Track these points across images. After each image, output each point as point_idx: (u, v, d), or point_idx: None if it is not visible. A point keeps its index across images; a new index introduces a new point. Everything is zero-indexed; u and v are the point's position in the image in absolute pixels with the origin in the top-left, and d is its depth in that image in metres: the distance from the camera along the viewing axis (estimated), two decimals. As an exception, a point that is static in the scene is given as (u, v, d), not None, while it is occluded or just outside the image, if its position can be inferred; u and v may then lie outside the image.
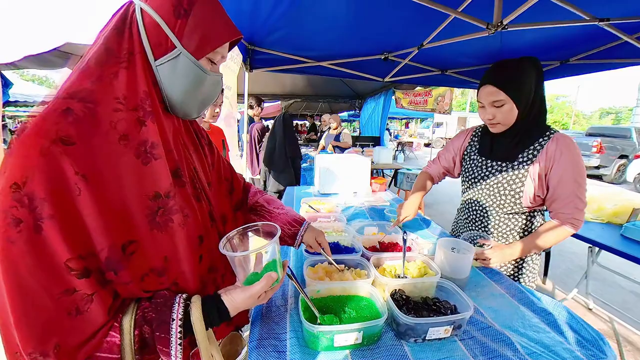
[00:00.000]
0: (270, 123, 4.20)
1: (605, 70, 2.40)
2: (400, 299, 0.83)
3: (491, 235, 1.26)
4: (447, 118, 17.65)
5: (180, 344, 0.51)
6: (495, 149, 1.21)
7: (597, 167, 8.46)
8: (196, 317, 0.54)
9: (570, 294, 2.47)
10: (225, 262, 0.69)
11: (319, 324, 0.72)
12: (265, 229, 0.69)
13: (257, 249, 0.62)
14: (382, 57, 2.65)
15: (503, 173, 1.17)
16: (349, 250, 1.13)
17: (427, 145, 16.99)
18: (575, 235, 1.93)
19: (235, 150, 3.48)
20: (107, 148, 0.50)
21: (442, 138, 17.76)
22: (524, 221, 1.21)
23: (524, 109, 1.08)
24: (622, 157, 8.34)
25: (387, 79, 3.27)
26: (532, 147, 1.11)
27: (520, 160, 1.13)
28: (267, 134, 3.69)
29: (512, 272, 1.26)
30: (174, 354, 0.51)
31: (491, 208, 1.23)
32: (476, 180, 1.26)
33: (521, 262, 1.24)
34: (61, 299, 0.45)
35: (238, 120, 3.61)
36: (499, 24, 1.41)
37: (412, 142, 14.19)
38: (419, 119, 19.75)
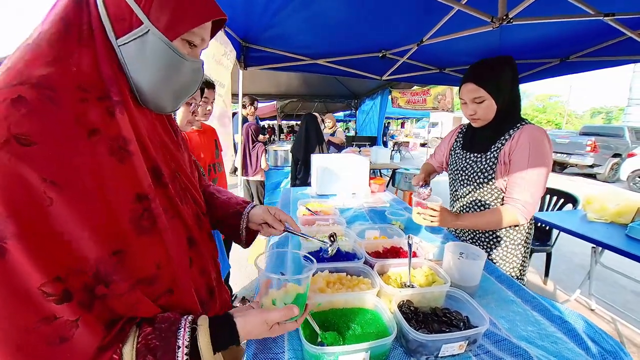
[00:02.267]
0: (266, 123, 4.15)
1: (605, 68, 2.38)
2: (408, 311, 0.76)
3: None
4: (443, 118, 17.74)
5: None
6: (475, 142, 1.30)
7: (591, 166, 8.54)
8: (204, 343, 0.48)
9: (573, 295, 2.44)
10: (216, 266, 0.66)
11: (320, 342, 0.65)
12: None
13: (296, 277, 0.58)
14: (380, 55, 2.60)
15: (478, 163, 1.24)
16: (350, 256, 1.06)
17: (423, 145, 17.03)
18: (578, 235, 1.91)
19: (230, 151, 3.40)
20: (76, 145, 0.42)
21: (438, 138, 17.83)
22: None
23: (502, 104, 1.15)
24: (615, 155, 8.42)
25: (384, 77, 3.22)
26: (502, 138, 1.18)
27: (493, 149, 1.20)
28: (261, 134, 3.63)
29: (510, 267, 1.28)
30: None
31: (472, 197, 1.29)
32: (457, 172, 1.35)
33: (505, 252, 1.27)
34: (40, 328, 0.38)
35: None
36: (504, 17, 1.36)
37: (408, 142, 14.20)
38: (415, 119, 19.80)
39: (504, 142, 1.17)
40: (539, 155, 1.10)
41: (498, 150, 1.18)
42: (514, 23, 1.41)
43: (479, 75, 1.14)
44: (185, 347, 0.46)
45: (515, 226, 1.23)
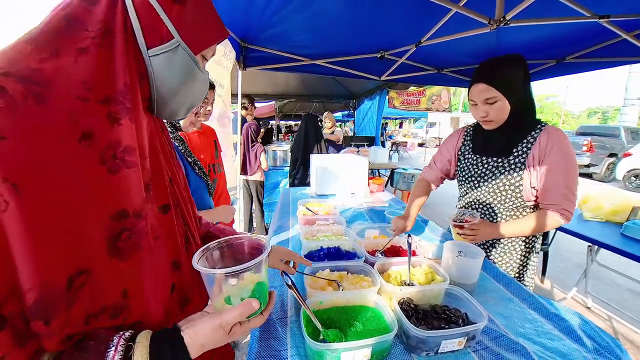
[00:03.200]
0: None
1: (601, 69, 2.40)
2: (409, 309, 0.77)
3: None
4: (441, 118, 17.81)
5: None
6: (489, 145, 1.21)
7: (588, 166, 8.60)
8: None
9: (570, 293, 2.47)
10: (202, 292, 0.55)
11: (322, 339, 0.66)
12: (251, 244, 0.56)
13: (242, 267, 0.46)
14: (379, 56, 2.61)
15: (500, 168, 1.16)
16: (351, 255, 1.08)
17: (421, 145, 17.09)
18: (574, 234, 1.94)
19: (230, 151, 3.40)
20: (59, 147, 0.37)
21: (435, 138, 17.89)
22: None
23: (516, 104, 1.08)
24: (611, 155, 8.49)
25: (383, 78, 3.24)
26: (525, 140, 1.12)
27: (516, 154, 1.13)
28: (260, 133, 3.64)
29: (513, 270, 1.24)
30: None
31: (493, 205, 1.21)
32: (474, 178, 1.25)
33: (524, 260, 1.22)
34: None
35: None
36: (502, 19, 1.38)
37: (406, 142, 14.24)
38: (413, 119, 19.87)
39: (529, 145, 1.10)
40: (571, 158, 1.07)
41: (524, 155, 1.11)
42: (511, 25, 1.43)
43: (490, 74, 1.07)
44: None
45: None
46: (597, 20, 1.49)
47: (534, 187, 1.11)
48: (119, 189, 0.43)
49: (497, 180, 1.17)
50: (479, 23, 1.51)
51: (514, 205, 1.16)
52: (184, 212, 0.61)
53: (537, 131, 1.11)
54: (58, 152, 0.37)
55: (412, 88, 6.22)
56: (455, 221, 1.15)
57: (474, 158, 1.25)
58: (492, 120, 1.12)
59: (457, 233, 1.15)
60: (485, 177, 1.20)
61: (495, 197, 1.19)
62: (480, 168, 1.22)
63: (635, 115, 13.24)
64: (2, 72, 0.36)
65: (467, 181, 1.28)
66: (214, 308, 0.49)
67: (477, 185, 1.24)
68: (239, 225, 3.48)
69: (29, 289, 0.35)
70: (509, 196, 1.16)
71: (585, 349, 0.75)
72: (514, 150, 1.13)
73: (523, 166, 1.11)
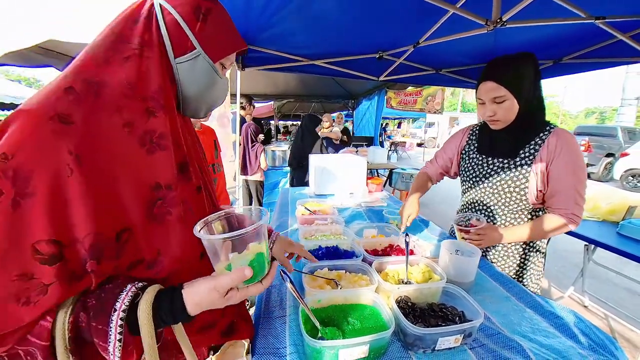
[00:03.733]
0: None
1: (598, 69, 2.42)
2: (406, 307, 0.78)
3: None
4: (439, 118, 17.84)
5: (120, 340, 0.43)
6: (496, 146, 1.19)
7: (585, 166, 8.64)
8: (143, 310, 0.45)
9: (567, 292, 2.48)
10: None
11: (320, 337, 0.67)
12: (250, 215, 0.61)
13: (240, 232, 0.49)
14: (377, 56, 2.62)
15: (506, 170, 1.14)
16: (349, 254, 1.09)
17: (419, 145, 17.12)
18: (572, 234, 1.95)
19: (229, 151, 3.40)
20: (109, 131, 0.49)
21: (434, 138, 17.92)
22: (531, 219, 1.17)
23: (525, 104, 1.06)
24: (608, 155, 8.54)
25: (381, 78, 3.24)
26: (533, 142, 1.09)
27: (522, 156, 1.11)
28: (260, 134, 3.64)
29: (515, 274, 1.23)
30: (111, 351, 0.43)
31: (496, 207, 1.20)
32: (478, 179, 1.23)
33: (526, 262, 1.21)
34: (17, 282, 0.41)
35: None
36: (498, 20, 1.39)
37: (404, 142, 14.25)
38: (411, 119, 19.89)
39: (537, 147, 1.08)
40: (580, 162, 1.05)
41: (531, 157, 1.09)
42: (507, 26, 1.44)
43: (499, 72, 1.04)
44: (122, 311, 0.44)
45: None
46: (592, 21, 1.50)
47: (540, 191, 1.09)
48: (155, 166, 0.53)
49: (502, 182, 1.14)
50: (476, 24, 1.52)
51: (518, 208, 1.15)
52: (210, 194, 0.71)
53: (546, 133, 1.08)
54: (107, 134, 0.49)
55: (410, 88, 6.24)
56: (460, 225, 1.14)
57: (479, 158, 1.23)
58: (500, 120, 1.10)
59: (462, 237, 1.13)
60: (490, 178, 1.18)
61: (499, 198, 1.17)
62: (485, 168, 1.20)
63: (632, 115, 13.31)
64: (72, 77, 0.49)
65: (470, 181, 1.27)
66: (215, 272, 0.54)
67: (480, 185, 1.22)
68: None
69: (85, 236, 0.45)
70: (513, 198, 1.13)
71: (580, 346, 0.76)
72: (521, 151, 1.11)
73: (529, 168, 1.08)
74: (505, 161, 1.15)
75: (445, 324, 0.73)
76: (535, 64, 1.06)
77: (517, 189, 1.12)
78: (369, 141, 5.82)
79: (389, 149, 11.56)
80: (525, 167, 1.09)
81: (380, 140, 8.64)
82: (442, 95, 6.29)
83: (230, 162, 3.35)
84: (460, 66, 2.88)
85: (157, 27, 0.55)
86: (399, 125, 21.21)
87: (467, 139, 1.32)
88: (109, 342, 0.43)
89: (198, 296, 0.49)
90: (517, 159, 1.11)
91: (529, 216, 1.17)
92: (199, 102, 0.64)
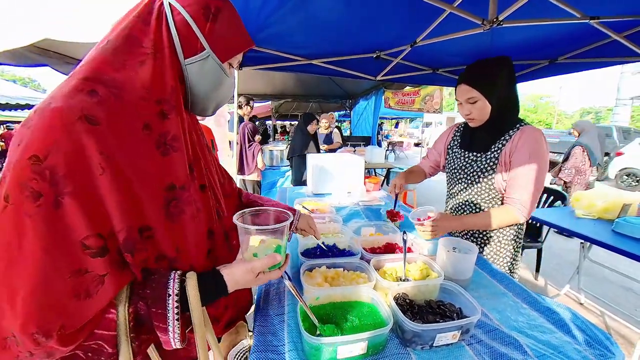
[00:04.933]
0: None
1: (592, 69, 2.44)
2: (404, 304, 0.79)
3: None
4: (436, 118, 17.90)
5: (177, 319, 0.50)
6: (474, 141, 1.31)
7: (581, 165, 8.72)
8: (192, 292, 0.52)
9: (563, 290, 2.51)
10: (231, 259, 0.69)
11: (319, 334, 0.67)
12: (277, 214, 0.69)
13: (272, 227, 0.61)
14: (374, 56, 2.63)
15: (478, 162, 1.26)
16: (347, 252, 1.09)
17: (417, 145, 17.15)
18: (567, 231, 1.97)
19: (226, 150, 3.39)
20: (131, 134, 0.51)
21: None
22: None
23: (496, 104, 1.17)
24: (604, 154, 8.61)
25: (379, 78, 3.25)
26: (502, 138, 1.20)
27: (493, 150, 1.22)
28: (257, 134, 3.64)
29: (495, 260, 1.32)
30: (171, 330, 0.50)
31: (471, 196, 1.31)
32: (456, 171, 1.36)
33: (498, 247, 1.30)
34: (71, 279, 0.43)
35: (228, 121, 3.54)
36: (495, 20, 1.40)
37: (402, 142, 14.28)
38: (409, 119, 19.93)
39: (504, 142, 1.19)
40: (538, 156, 1.12)
41: (499, 151, 1.19)
42: (504, 25, 1.45)
43: (472, 76, 1.17)
44: (176, 294, 0.51)
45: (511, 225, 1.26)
46: (587, 21, 1.52)
47: (505, 181, 1.20)
48: (169, 168, 0.55)
49: (474, 174, 1.27)
50: (473, 23, 1.53)
51: (490, 197, 1.26)
52: (215, 192, 0.72)
53: (515, 130, 1.18)
54: (130, 137, 0.51)
55: (407, 88, 6.24)
56: (414, 219, 1.22)
57: (460, 152, 1.35)
58: (475, 118, 1.22)
59: (421, 231, 1.20)
60: (466, 170, 1.31)
61: (472, 188, 1.29)
62: (462, 161, 1.33)
63: (627, 115, 13.46)
64: (92, 79, 0.49)
65: (451, 173, 1.40)
66: (244, 258, 0.62)
67: (458, 177, 1.35)
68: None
69: (119, 230, 0.48)
70: (484, 188, 1.25)
71: (576, 341, 0.77)
72: (492, 146, 1.22)
73: (497, 161, 1.20)
74: (479, 155, 1.26)
75: (443, 320, 0.73)
76: (509, 68, 1.17)
77: (485, 180, 1.24)
78: (367, 141, 5.83)
79: (386, 148, 11.57)
80: (493, 159, 1.21)
81: (378, 139, 8.66)
82: (441, 95, 6.31)
83: (227, 156, 3.34)
84: (456, 66, 2.90)
85: (167, 27, 0.54)
86: (396, 125, 21.27)
87: (453, 136, 1.44)
88: (169, 322, 0.50)
89: (236, 276, 0.58)
90: (488, 153, 1.23)
91: (500, 204, 1.27)
92: (207, 101, 0.65)
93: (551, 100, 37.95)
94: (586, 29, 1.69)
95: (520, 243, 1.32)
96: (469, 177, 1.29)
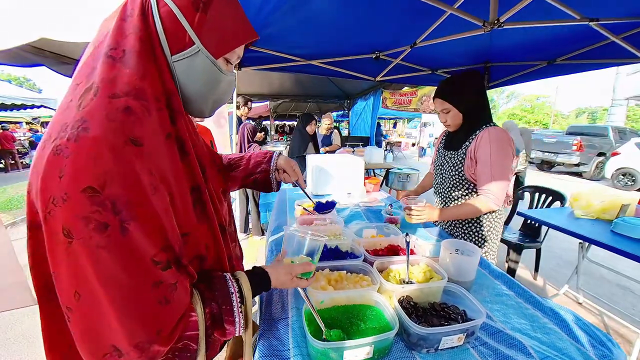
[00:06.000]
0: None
1: (590, 70, 2.46)
2: (409, 306, 0.78)
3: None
4: (433, 118, 17.92)
5: (241, 311, 0.58)
6: (452, 142, 1.52)
7: (577, 165, 8.78)
8: (246, 288, 0.61)
9: (562, 289, 2.52)
10: (238, 251, 0.79)
11: (325, 338, 0.66)
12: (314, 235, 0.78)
13: (315, 239, 0.74)
14: (374, 56, 2.63)
15: (452, 159, 1.47)
16: (350, 255, 1.08)
17: (414, 145, 17.18)
18: (566, 231, 1.98)
19: (227, 151, 3.38)
20: (162, 146, 0.51)
21: (429, 137, 17.97)
22: None
23: (466, 112, 1.38)
24: (600, 154, 8.68)
25: (378, 78, 3.26)
26: (471, 138, 1.40)
27: (463, 148, 1.42)
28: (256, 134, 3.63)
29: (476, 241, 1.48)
30: (237, 321, 0.58)
31: (449, 189, 1.51)
32: (438, 168, 1.59)
33: (481, 240, 1.47)
34: (152, 291, 0.47)
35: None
36: (495, 22, 1.41)
37: (400, 142, 14.32)
38: (407, 119, 19.97)
39: (471, 140, 1.39)
40: (499, 151, 1.29)
41: (466, 148, 1.40)
42: (504, 27, 1.45)
43: (443, 90, 1.39)
44: (237, 292, 0.59)
45: (489, 213, 1.45)
46: (587, 22, 1.53)
47: (473, 174, 1.38)
48: (189, 171, 0.57)
49: (449, 169, 1.48)
50: (473, 25, 1.54)
51: (463, 188, 1.45)
52: (216, 186, 0.73)
53: (481, 130, 1.37)
54: (162, 149, 0.51)
55: (405, 88, 6.26)
56: (402, 204, 1.45)
57: (442, 152, 1.57)
58: (450, 124, 1.44)
59: (407, 214, 1.38)
60: (444, 167, 1.53)
61: (449, 182, 1.50)
62: (442, 160, 1.55)
63: (622, 115, 13.56)
64: (122, 95, 0.47)
65: (435, 171, 1.64)
66: (281, 262, 0.74)
67: (439, 173, 1.58)
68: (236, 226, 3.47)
69: (175, 241, 0.51)
70: (457, 180, 1.46)
71: (579, 343, 0.77)
72: (463, 145, 1.42)
73: (465, 156, 1.40)
74: (453, 152, 1.48)
75: (447, 323, 0.73)
76: (477, 80, 1.37)
77: (456, 172, 1.45)
78: (365, 141, 5.83)
79: (384, 149, 11.59)
80: (462, 155, 1.42)
81: (378, 140, 8.64)
82: (438, 96, 6.31)
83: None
84: (456, 67, 2.91)
85: (153, 22, 0.51)
86: (394, 125, 21.30)
87: (442, 139, 1.66)
88: (234, 314, 0.57)
89: (279, 275, 0.68)
90: (459, 150, 1.44)
91: (475, 194, 1.44)
92: (201, 102, 0.60)
93: (548, 100, 38.20)
94: (585, 31, 1.71)
95: (498, 233, 1.50)
96: (445, 173, 1.51)
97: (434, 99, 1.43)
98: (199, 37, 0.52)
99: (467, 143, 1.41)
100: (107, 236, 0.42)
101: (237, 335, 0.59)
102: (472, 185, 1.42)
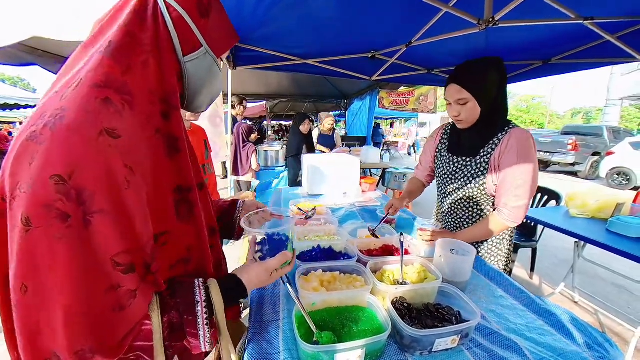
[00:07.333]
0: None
1: (585, 70, 2.46)
2: (402, 308, 0.77)
3: (467, 225, 1.32)
4: (431, 118, 18.03)
5: (207, 324, 0.53)
6: (462, 145, 1.28)
7: (573, 164, 8.85)
8: (216, 297, 0.56)
9: (558, 288, 2.52)
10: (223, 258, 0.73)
11: (315, 341, 0.65)
12: (277, 214, 0.77)
13: (278, 229, 0.68)
14: (370, 56, 2.62)
15: (468, 167, 1.23)
16: (343, 255, 1.07)
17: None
18: (562, 230, 1.98)
19: (223, 151, 3.36)
20: (146, 141, 0.50)
21: (426, 138, 18.07)
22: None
23: (486, 106, 1.13)
24: (595, 154, 8.75)
25: (374, 78, 3.25)
26: (491, 142, 1.17)
27: (482, 154, 1.19)
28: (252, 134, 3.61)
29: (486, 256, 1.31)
30: (202, 334, 0.52)
31: (462, 201, 1.29)
32: (446, 176, 1.33)
33: (491, 246, 1.30)
34: (106, 295, 0.43)
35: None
36: (490, 20, 1.40)
37: (397, 142, 14.34)
38: (403, 119, 20.02)
39: (493, 147, 1.16)
40: (526, 160, 1.09)
41: (488, 155, 1.16)
42: (499, 25, 1.45)
43: (463, 76, 1.12)
44: (204, 301, 0.54)
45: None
46: (582, 21, 1.53)
47: (496, 185, 1.17)
48: (177, 169, 0.56)
49: (465, 179, 1.24)
50: (469, 23, 1.53)
51: (481, 201, 1.25)
52: (206, 191, 0.72)
53: (504, 133, 1.15)
54: (145, 144, 0.50)
55: (402, 88, 6.26)
56: (417, 226, 1.25)
57: (448, 157, 1.32)
58: (463, 120, 1.17)
59: (419, 235, 1.21)
60: (456, 175, 1.28)
61: (463, 193, 1.27)
62: (452, 167, 1.29)
63: (617, 115, 13.70)
64: (103, 86, 0.46)
65: (441, 178, 1.36)
66: (255, 259, 0.70)
67: (448, 182, 1.32)
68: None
69: (147, 241, 0.48)
70: (475, 193, 1.23)
71: (576, 343, 0.76)
72: (481, 150, 1.19)
73: (487, 165, 1.17)
74: (468, 159, 1.24)
75: (442, 324, 0.72)
76: (501, 69, 1.12)
77: (477, 184, 1.21)
78: (362, 141, 5.83)
79: (381, 148, 11.60)
80: (483, 164, 1.18)
81: (376, 140, 8.65)
82: (435, 95, 6.33)
83: (225, 157, 3.31)
84: (452, 66, 2.90)
85: (164, 24, 0.54)
86: (391, 125, 21.34)
87: (440, 139, 1.40)
88: (199, 327, 0.52)
89: (252, 277, 0.64)
90: (478, 157, 1.20)
91: (493, 209, 1.25)
92: (202, 97, 0.65)
93: (543, 100, 38.50)
94: (580, 30, 1.70)
95: (512, 242, 1.33)
96: (459, 182, 1.26)
97: (447, 85, 1.18)
98: (205, 39, 0.59)
99: (487, 149, 1.17)
100: (67, 227, 0.40)
101: (203, 351, 0.54)
102: (491, 197, 1.21)
